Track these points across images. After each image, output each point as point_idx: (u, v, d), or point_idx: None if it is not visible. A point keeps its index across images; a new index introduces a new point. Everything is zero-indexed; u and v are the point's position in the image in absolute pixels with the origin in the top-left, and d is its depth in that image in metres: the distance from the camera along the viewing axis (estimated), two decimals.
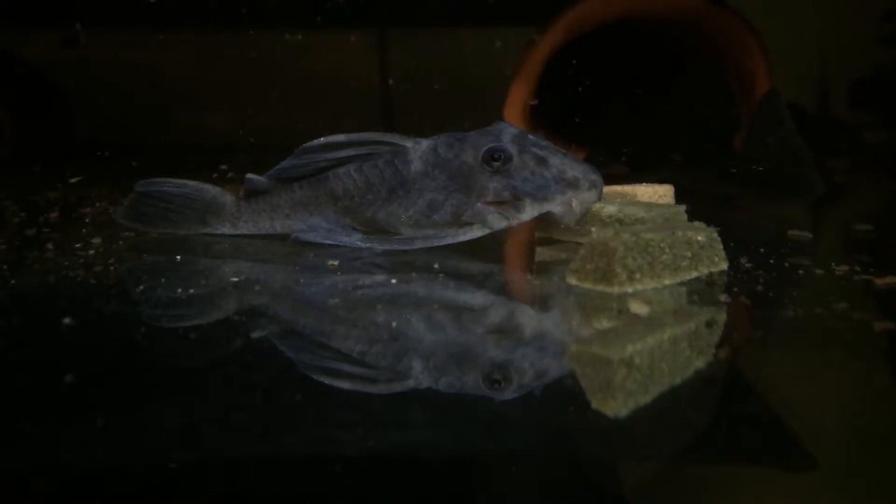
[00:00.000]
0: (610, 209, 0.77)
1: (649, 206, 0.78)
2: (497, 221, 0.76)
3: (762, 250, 0.79)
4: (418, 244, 0.77)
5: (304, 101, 1.66)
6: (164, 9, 1.57)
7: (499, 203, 0.75)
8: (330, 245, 0.80)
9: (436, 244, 0.77)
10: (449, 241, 0.77)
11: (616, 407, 0.43)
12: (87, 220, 1.01)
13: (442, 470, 0.40)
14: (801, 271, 0.70)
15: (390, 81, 1.88)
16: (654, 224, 0.73)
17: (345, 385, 0.48)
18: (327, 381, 0.49)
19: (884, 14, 1.80)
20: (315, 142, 0.81)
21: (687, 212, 0.76)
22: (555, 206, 0.75)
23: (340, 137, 0.80)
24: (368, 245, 0.78)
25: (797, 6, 1.79)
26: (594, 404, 0.44)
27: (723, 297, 0.62)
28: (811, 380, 0.52)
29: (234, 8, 1.62)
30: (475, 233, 0.77)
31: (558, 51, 1.42)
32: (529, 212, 0.75)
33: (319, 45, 1.79)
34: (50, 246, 0.83)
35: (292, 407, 0.46)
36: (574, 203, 0.74)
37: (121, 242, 0.85)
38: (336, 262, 0.74)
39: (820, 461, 0.40)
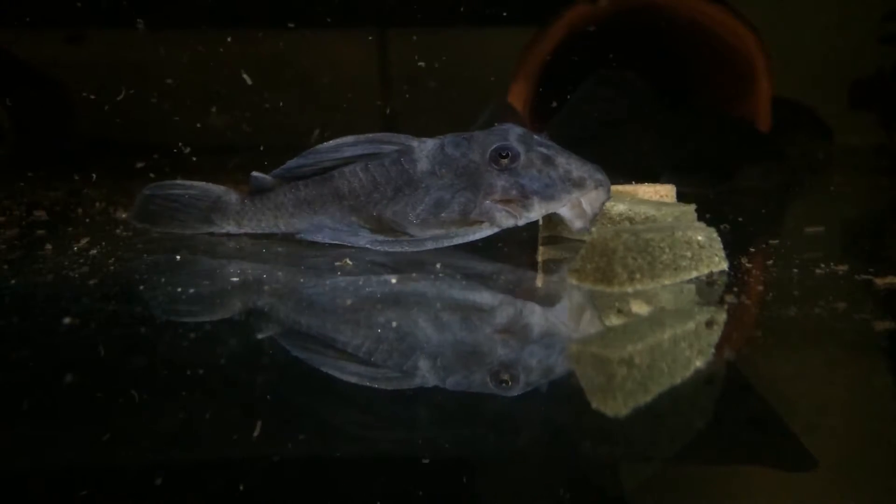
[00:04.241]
0: (620, 208, 0.77)
1: (659, 204, 0.78)
2: (505, 219, 0.76)
3: (762, 250, 0.79)
4: (428, 245, 0.77)
5: (304, 101, 1.66)
6: (165, 9, 1.57)
7: (506, 201, 0.75)
8: (334, 245, 0.80)
9: (445, 245, 0.77)
10: (458, 241, 0.77)
11: (616, 407, 0.43)
12: (87, 220, 1.01)
13: (441, 469, 0.40)
14: (801, 271, 0.70)
15: (390, 81, 1.88)
16: (654, 224, 0.73)
17: (350, 383, 0.48)
18: (331, 380, 0.49)
19: (884, 14, 1.80)
20: (324, 144, 0.81)
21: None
22: (562, 206, 0.74)
23: (349, 139, 0.81)
24: (377, 248, 0.78)
25: (797, 6, 1.79)
26: (594, 404, 0.44)
27: (723, 297, 0.62)
28: (811, 380, 0.52)
29: (233, 8, 1.62)
30: (484, 232, 0.77)
31: (558, 50, 1.43)
32: (538, 210, 0.75)
33: (319, 45, 1.79)
34: (49, 246, 0.83)
35: (295, 406, 0.46)
36: (584, 205, 0.74)
37: (121, 242, 0.85)
38: (340, 262, 0.74)
39: (820, 461, 0.40)
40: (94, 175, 1.36)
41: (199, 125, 1.52)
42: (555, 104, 1.33)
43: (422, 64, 1.64)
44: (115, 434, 0.43)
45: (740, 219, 0.97)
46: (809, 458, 0.40)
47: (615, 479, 0.40)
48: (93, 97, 1.47)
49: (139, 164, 1.30)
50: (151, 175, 1.19)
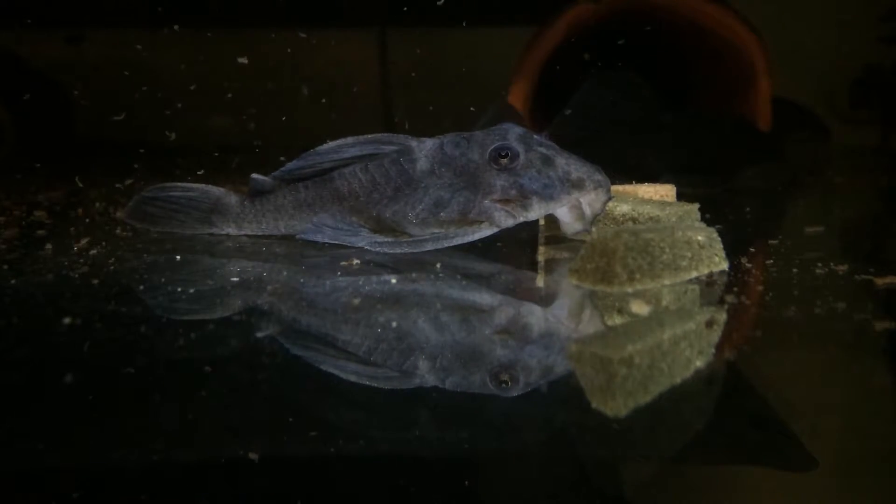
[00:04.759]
0: (623, 208, 0.77)
1: (662, 204, 0.78)
2: (504, 219, 0.75)
3: (762, 250, 0.79)
4: (428, 246, 0.76)
5: (305, 101, 1.66)
6: (164, 8, 1.57)
7: (505, 201, 0.75)
8: (334, 244, 0.79)
9: (445, 245, 0.76)
10: (458, 241, 0.76)
11: (616, 407, 0.43)
12: (87, 221, 1.01)
13: (440, 469, 0.40)
14: (801, 271, 0.70)
15: (390, 82, 1.88)
16: (654, 224, 0.73)
17: (350, 382, 0.48)
18: (331, 379, 0.49)
19: (884, 14, 1.80)
20: (324, 146, 0.81)
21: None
22: (561, 207, 0.74)
23: (348, 140, 0.81)
24: (378, 248, 0.77)
25: (797, 6, 1.79)
26: (594, 404, 0.44)
27: (723, 297, 0.62)
28: (811, 380, 0.52)
29: (233, 8, 1.62)
30: (484, 232, 0.76)
31: (559, 50, 1.43)
32: (537, 210, 0.75)
33: (319, 45, 1.79)
34: (49, 246, 0.83)
35: (294, 405, 0.46)
36: (584, 206, 0.74)
37: (121, 242, 0.85)
38: (346, 262, 0.74)
39: (820, 461, 0.40)
40: (92, 175, 1.36)
41: (199, 126, 1.52)
42: (556, 105, 1.33)
43: (422, 64, 1.65)
44: (115, 434, 0.43)
45: (743, 216, 0.97)
46: (809, 458, 0.40)
47: (615, 479, 0.40)
48: (93, 97, 1.48)
49: (134, 172, 1.31)
50: (153, 174, 1.19)
